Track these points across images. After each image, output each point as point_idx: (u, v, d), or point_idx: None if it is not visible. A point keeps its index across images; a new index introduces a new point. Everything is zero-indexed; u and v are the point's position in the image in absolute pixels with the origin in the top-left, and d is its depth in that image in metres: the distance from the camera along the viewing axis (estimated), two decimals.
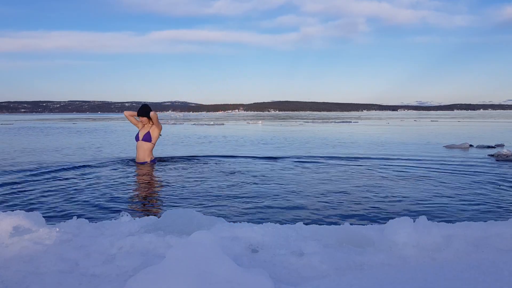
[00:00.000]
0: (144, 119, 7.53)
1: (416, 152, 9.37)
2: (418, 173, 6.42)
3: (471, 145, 10.39)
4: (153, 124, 7.55)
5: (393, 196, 4.73)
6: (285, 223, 2.61)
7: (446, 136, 15.23)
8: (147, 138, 7.45)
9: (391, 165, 7.29)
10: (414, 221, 2.28)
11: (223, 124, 30.61)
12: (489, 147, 10.30)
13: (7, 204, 4.38)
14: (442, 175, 6.11)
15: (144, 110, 7.52)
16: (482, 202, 4.39)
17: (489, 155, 8.04)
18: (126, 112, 7.80)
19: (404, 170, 6.69)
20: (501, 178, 5.80)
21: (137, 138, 7.58)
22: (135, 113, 7.63)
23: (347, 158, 8.38)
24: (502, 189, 4.99)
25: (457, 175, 6.10)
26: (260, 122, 37.64)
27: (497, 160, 7.47)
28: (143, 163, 7.48)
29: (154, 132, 7.52)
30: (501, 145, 10.57)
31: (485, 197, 4.64)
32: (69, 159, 8.39)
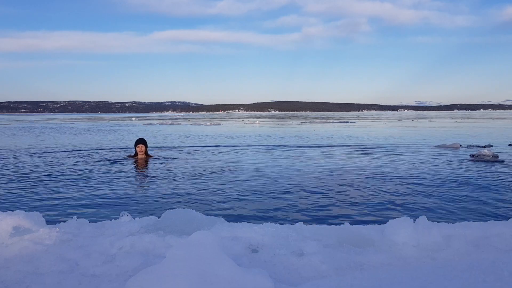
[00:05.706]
0: (143, 148, 8.13)
1: (407, 151, 9.57)
2: (404, 171, 6.46)
3: (461, 145, 10.49)
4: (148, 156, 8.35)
5: (392, 197, 4.73)
6: (285, 223, 2.61)
7: (439, 136, 15.49)
8: None
9: (387, 165, 7.31)
10: (414, 221, 2.28)
11: (219, 125, 30.76)
12: (479, 146, 10.37)
13: (7, 204, 4.38)
14: (419, 173, 6.34)
15: (142, 139, 8.40)
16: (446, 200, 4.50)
17: (470, 155, 8.17)
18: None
19: (394, 167, 6.71)
20: (465, 176, 5.98)
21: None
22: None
23: (342, 158, 8.39)
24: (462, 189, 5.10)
25: (432, 173, 6.30)
26: (257, 122, 37.66)
27: (472, 160, 7.58)
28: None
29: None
30: (490, 146, 10.70)
31: (450, 195, 4.76)
32: (69, 158, 8.38)
